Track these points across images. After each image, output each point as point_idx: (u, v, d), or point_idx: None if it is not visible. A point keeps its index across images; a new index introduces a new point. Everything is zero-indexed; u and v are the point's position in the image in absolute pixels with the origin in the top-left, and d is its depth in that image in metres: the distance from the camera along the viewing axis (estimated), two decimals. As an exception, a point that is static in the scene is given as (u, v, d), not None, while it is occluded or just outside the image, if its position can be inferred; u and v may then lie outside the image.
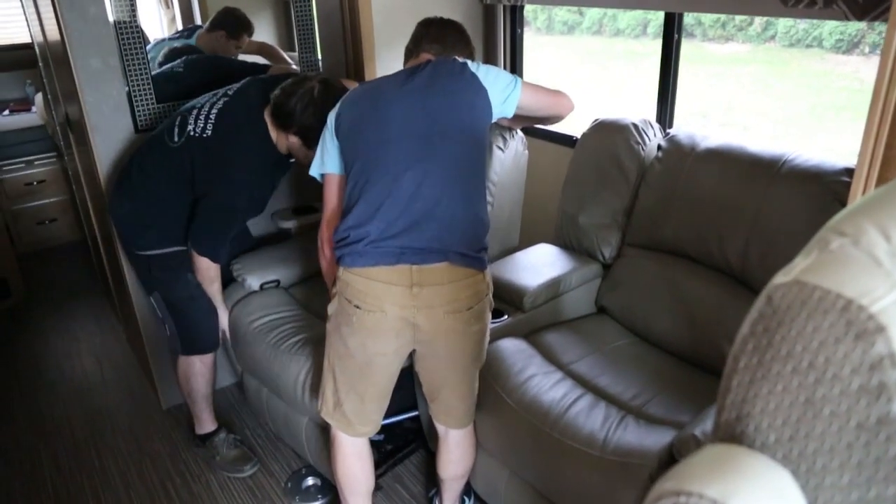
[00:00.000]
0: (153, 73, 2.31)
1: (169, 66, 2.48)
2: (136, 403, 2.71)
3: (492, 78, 1.67)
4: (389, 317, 1.56)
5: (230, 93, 2.12)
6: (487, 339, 1.74)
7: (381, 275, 1.53)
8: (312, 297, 2.35)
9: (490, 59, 2.94)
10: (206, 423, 2.36)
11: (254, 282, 2.36)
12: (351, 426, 1.72)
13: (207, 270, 2.13)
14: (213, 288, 2.20)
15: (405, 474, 2.26)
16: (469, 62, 1.68)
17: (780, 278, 0.63)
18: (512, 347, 1.90)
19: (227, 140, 2.03)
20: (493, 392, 1.80)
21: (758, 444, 0.60)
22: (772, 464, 0.57)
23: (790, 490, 0.55)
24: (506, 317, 2.02)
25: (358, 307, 1.57)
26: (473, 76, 1.64)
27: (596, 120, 2.37)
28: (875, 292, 0.55)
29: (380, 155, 1.59)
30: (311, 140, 1.94)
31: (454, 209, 1.55)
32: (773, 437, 0.59)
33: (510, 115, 1.74)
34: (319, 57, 2.66)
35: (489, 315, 1.70)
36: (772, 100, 6.30)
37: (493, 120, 1.70)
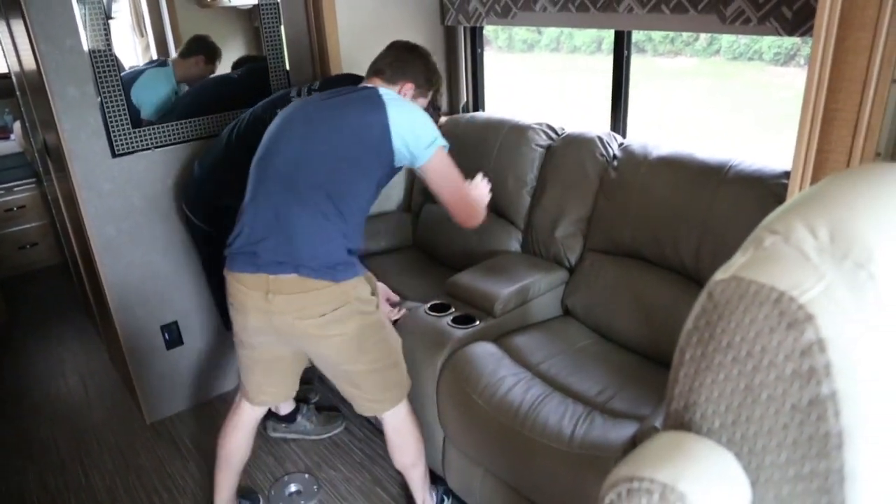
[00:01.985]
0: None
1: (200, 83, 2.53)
2: (121, 420, 2.66)
3: (406, 125, 1.64)
4: (250, 317, 1.66)
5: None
6: (368, 340, 1.69)
7: (244, 280, 1.63)
8: (375, 270, 2.30)
9: (452, 79, 2.97)
10: (285, 404, 2.40)
11: None
12: (248, 394, 1.85)
13: None
14: None
15: (384, 477, 2.26)
16: (389, 99, 1.65)
17: (720, 275, 0.65)
18: (482, 351, 1.91)
19: None
20: (464, 394, 1.81)
21: (704, 430, 0.62)
22: (717, 447, 0.58)
23: (734, 470, 0.57)
24: (477, 322, 2.03)
25: (231, 304, 1.71)
26: (382, 112, 1.62)
27: (563, 133, 2.41)
28: (804, 284, 0.57)
29: (264, 165, 1.67)
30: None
31: (306, 227, 1.59)
32: (717, 423, 0.60)
33: (417, 172, 1.75)
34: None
35: (358, 320, 1.66)
36: (719, 110, 6.44)
37: (403, 164, 1.70)
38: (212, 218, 2.30)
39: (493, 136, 2.55)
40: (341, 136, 1.62)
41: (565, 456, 1.55)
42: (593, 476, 1.49)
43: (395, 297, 2.18)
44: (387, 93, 1.70)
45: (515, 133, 2.48)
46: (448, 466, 2.01)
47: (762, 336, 0.57)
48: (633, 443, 1.50)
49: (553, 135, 2.46)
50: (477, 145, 2.60)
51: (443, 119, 2.81)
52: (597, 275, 2.16)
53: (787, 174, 1.72)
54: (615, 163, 2.18)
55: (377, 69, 1.84)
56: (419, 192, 2.95)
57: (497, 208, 2.55)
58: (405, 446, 1.87)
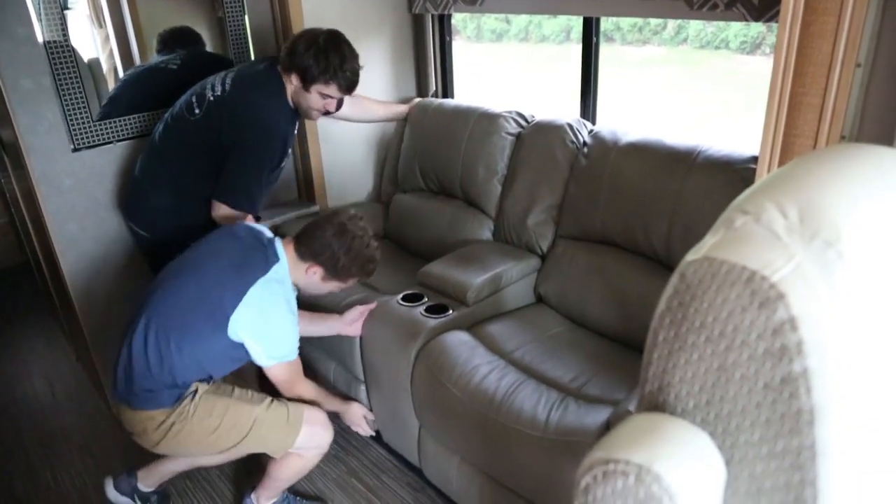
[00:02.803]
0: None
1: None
2: (90, 421, 2.61)
3: (260, 324, 1.69)
4: None
5: (237, 67, 2.18)
6: (210, 438, 1.75)
7: None
8: None
9: (421, 68, 2.95)
10: None
11: None
12: None
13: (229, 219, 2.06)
14: None
15: (360, 468, 2.25)
16: (261, 293, 1.69)
17: (692, 256, 0.65)
18: (456, 340, 1.91)
19: (248, 92, 2.06)
20: (439, 383, 1.80)
21: (679, 411, 0.62)
22: (692, 427, 0.59)
23: (709, 450, 0.57)
24: (450, 312, 2.03)
25: None
26: (240, 298, 1.66)
27: (533, 120, 2.41)
28: (775, 263, 0.57)
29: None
30: (308, 80, 2.01)
31: (136, 358, 1.69)
32: (691, 403, 0.61)
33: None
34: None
35: (188, 434, 1.73)
36: (687, 98, 6.51)
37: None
38: (152, 223, 2.22)
39: (463, 125, 2.53)
40: (200, 295, 1.70)
41: (540, 442, 1.55)
42: (568, 461, 1.50)
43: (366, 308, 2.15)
44: (273, 280, 1.71)
45: (485, 121, 2.48)
46: (424, 456, 2.01)
47: (734, 315, 0.57)
48: (608, 427, 1.51)
49: (523, 122, 2.45)
50: (446, 134, 2.58)
51: (414, 100, 2.79)
52: (569, 262, 2.17)
53: (754, 159, 1.74)
54: (585, 149, 2.19)
55: (297, 236, 1.83)
56: (389, 182, 2.93)
57: (468, 197, 2.54)
58: (286, 468, 1.89)
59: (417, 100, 2.79)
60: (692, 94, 6.52)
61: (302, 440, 1.81)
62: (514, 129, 2.44)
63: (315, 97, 2.05)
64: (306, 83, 2.02)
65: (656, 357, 0.64)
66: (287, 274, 1.77)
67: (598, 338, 2.04)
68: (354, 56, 2.04)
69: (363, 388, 2.16)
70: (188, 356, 1.67)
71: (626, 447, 0.55)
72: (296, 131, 2.22)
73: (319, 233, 1.79)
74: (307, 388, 1.87)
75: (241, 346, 1.69)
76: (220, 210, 2.06)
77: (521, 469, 1.61)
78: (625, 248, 2.06)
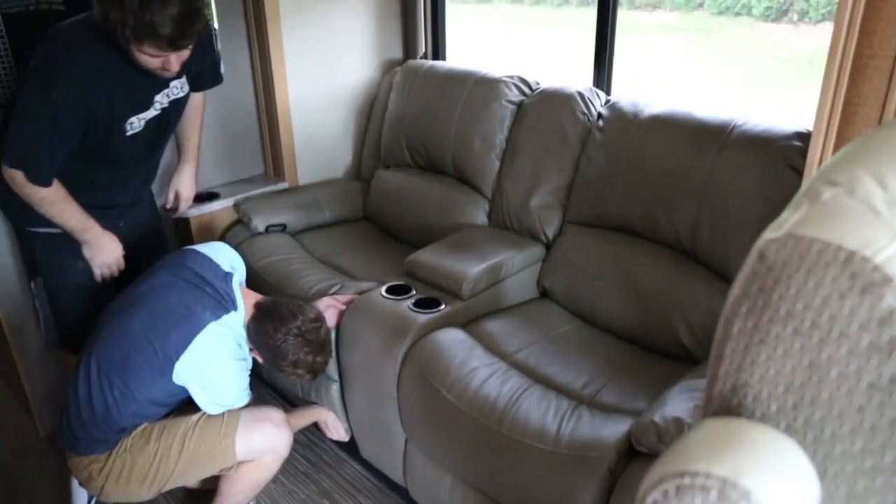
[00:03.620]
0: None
1: None
2: (10, 435, 2.53)
3: (206, 371, 1.77)
4: None
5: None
6: (152, 472, 1.81)
7: None
8: (318, 245, 2.48)
9: (409, 26, 2.91)
10: None
11: (259, 223, 2.55)
12: None
13: (33, 194, 1.87)
14: (64, 216, 1.93)
15: (332, 487, 2.21)
16: (227, 332, 1.78)
17: (771, 233, 0.62)
18: (450, 339, 1.89)
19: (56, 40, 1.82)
20: (430, 388, 1.78)
21: (758, 416, 0.59)
22: (779, 435, 0.56)
23: (800, 461, 0.55)
24: (443, 306, 2.00)
25: None
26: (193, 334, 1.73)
27: (538, 89, 2.39)
28: (878, 242, 0.55)
29: None
30: (116, 36, 1.71)
31: (81, 407, 1.77)
32: (774, 407, 0.58)
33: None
34: (216, 25, 2.56)
35: (130, 469, 1.80)
36: (704, 70, 6.55)
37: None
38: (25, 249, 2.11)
39: (457, 91, 2.51)
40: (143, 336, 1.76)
41: (551, 457, 1.54)
42: (583, 478, 1.48)
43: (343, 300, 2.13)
44: (225, 326, 1.77)
45: (484, 87, 2.45)
46: (410, 474, 1.98)
47: (830, 303, 0.55)
48: (629, 441, 1.49)
49: (526, 89, 2.44)
50: (437, 101, 2.56)
51: (398, 69, 2.76)
52: (579, 251, 2.16)
53: (800, 135, 1.73)
54: (600, 122, 2.17)
55: (257, 307, 1.86)
56: (371, 157, 2.90)
57: (461, 174, 2.52)
58: (239, 480, 1.90)
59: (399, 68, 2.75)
60: (708, 64, 6.55)
61: (249, 443, 1.81)
62: (516, 96, 2.41)
63: (140, 55, 1.76)
64: (117, 39, 1.72)
65: (729, 352, 0.61)
66: (241, 324, 1.84)
67: (612, 338, 2.03)
68: None
69: (336, 388, 2.13)
70: (132, 401, 1.76)
71: (704, 457, 0.53)
72: (167, 94, 2.00)
73: (273, 319, 1.83)
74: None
75: (185, 389, 1.78)
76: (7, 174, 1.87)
77: (526, 488, 1.59)
78: (644, 235, 2.05)
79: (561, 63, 5.89)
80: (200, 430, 1.81)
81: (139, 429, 1.81)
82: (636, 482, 1.43)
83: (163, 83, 1.95)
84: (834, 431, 0.55)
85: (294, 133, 2.78)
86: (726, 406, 0.62)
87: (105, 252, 2.03)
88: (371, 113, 2.91)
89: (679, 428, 1.38)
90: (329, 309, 2.05)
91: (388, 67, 2.92)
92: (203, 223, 2.60)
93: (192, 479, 1.92)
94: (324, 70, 2.79)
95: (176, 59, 1.81)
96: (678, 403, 1.47)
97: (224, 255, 1.93)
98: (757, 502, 0.50)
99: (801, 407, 0.57)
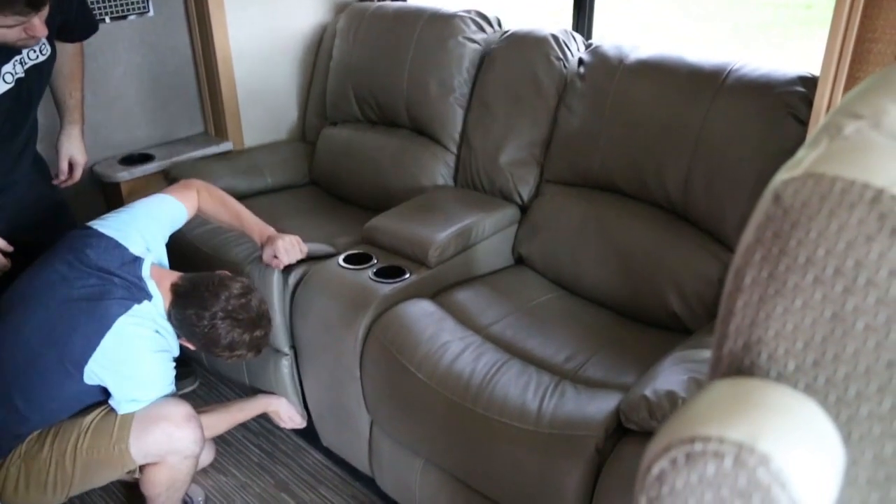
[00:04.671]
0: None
1: None
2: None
3: (122, 369, 1.73)
4: None
5: None
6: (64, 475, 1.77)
7: None
8: (258, 212, 2.28)
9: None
10: None
11: None
12: None
13: None
14: None
15: (291, 479, 2.20)
16: (141, 322, 1.73)
17: (787, 173, 0.61)
18: (418, 311, 1.88)
19: None
20: (397, 365, 1.77)
21: (773, 376, 0.59)
22: (798, 395, 0.56)
23: (822, 424, 0.54)
24: (408, 275, 1.99)
25: None
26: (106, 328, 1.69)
27: (506, 32, 2.37)
28: (908, 178, 0.54)
29: None
30: None
31: None
32: (792, 365, 0.58)
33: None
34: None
35: (26, 477, 1.76)
36: (691, 20, 6.57)
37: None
38: None
39: (408, 31, 2.49)
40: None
41: (532, 437, 1.54)
42: (568, 459, 1.49)
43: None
44: (137, 316, 1.73)
45: (437, 24, 2.44)
46: (376, 461, 1.98)
47: (856, 247, 0.54)
48: (617, 417, 1.50)
49: (486, 25, 2.43)
50: (386, 44, 2.54)
51: (341, 16, 2.71)
52: (558, 213, 2.15)
53: (802, 80, 1.74)
54: (581, 69, 2.16)
55: (175, 289, 1.80)
56: (316, 115, 2.86)
57: (417, 123, 2.51)
58: (151, 484, 1.88)
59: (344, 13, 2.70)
60: (698, 15, 6.57)
61: (144, 445, 1.76)
62: (474, 32, 2.40)
63: None
64: None
65: (741, 305, 0.60)
66: (160, 312, 1.79)
67: (597, 308, 2.04)
68: None
69: (287, 363, 2.11)
70: (36, 409, 1.74)
71: (716, 420, 0.52)
72: (19, 61, 1.87)
73: (195, 318, 1.76)
74: (204, 420, 1.87)
75: (100, 387, 1.75)
76: None
77: (505, 471, 1.60)
78: (630, 195, 2.05)
79: (536, 6, 5.86)
80: (92, 434, 1.76)
81: (35, 433, 1.77)
82: (626, 462, 1.44)
83: (11, 50, 1.80)
84: (859, 390, 0.55)
85: (238, 87, 2.72)
86: (738, 366, 0.61)
87: None
88: (315, 65, 2.86)
89: (673, 402, 1.38)
90: (272, 252, 2.00)
91: (342, 10, 2.86)
92: (134, 188, 2.54)
93: (98, 484, 1.88)
94: (270, 13, 2.73)
95: (39, 22, 1.69)
96: (671, 376, 1.48)
97: (134, 234, 1.83)
98: (777, 468, 0.49)
99: (823, 364, 0.56)
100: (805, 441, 0.52)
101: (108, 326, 1.68)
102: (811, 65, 1.71)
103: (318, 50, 2.85)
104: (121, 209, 1.92)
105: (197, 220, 2.39)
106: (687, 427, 0.53)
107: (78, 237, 1.80)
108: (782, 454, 0.50)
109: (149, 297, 1.75)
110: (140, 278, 1.76)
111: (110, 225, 1.83)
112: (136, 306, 1.72)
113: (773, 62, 1.85)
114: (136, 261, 1.78)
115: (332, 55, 2.72)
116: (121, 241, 1.79)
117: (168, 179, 2.55)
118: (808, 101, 1.66)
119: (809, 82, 1.71)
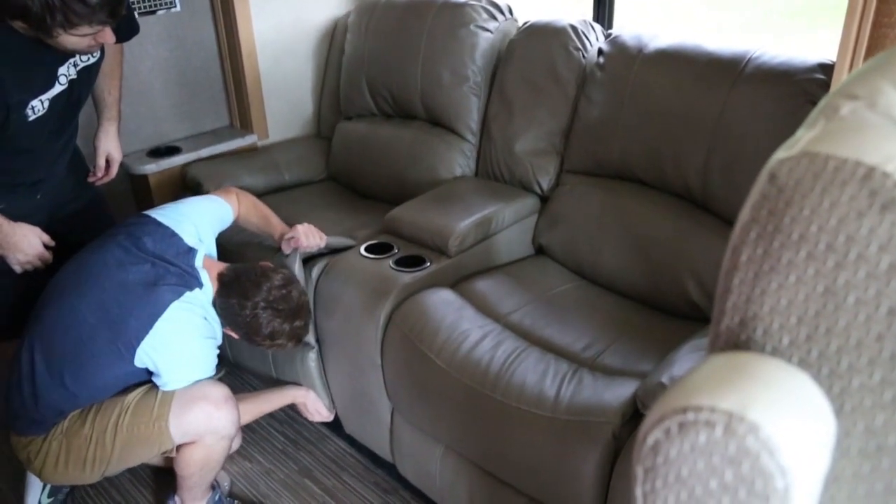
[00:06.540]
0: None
1: None
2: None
3: (173, 352, 1.78)
4: None
5: None
6: (90, 454, 1.82)
7: None
8: (278, 209, 2.34)
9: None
10: None
11: (211, 190, 2.41)
12: None
13: None
14: None
15: (314, 465, 2.24)
16: (193, 308, 1.78)
17: (784, 153, 0.62)
18: (437, 299, 1.89)
19: None
20: (417, 353, 1.79)
21: (768, 350, 0.60)
22: (789, 367, 0.57)
23: (814, 395, 0.55)
24: (428, 264, 2.00)
25: None
26: (160, 305, 1.74)
27: (526, 23, 2.38)
28: (900, 156, 0.55)
29: None
30: (37, 27, 1.64)
31: (23, 385, 1.79)
32: (786, 340, 0.59)
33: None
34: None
35: (67, 452, 1.82)
36: (716, 10, 6.50)
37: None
38: None
39: (419, 22, 2.50)
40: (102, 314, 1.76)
41: (549, 423, 1.55)
42: (585, 445, 1.50)
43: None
44: (188, 302, 1.78)
45: (448, 13, 2.45)
46: (397, 448, 2.00)
47: (847, 223, 0.55)
48: (634, 404, 1.51)
49: (497, 13, 2.43)
50: (398, 36, 2.55)
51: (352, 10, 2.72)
52: (577, 203, 2.16)
53: (822, 67, 1.73)
54: (601, 59, 2.16)
55: (220, 279, 1.86)
56: (331, 110, 2.88)
57: (432, 114, 2.51)
58: (186, 464, 1.91)
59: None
60: (724, 4, 6.51)
61: (183, 424, 1.80)
62: (486, 21, 2.41)
63: (67, 39, 1.69)
64: (38, 30, 1.65)
65: (737, 283, 0.62)
66: (209, 300, 1.85)
67: (616, 297, 2.04)
68: None
69: (314, 356, 2.13)
70: (84, 388, 1.79)
71: (708, 391, 0.53)
72: (73, 63, 1.89)
73: (238, 307, 1.82)
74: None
75: (146, 370, 1.80)
76: None
77: (523, 457, 1.61)
78: (650, 184, 2.05)
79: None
80: (133, 412, 1.80)
81: (77, 410, 1.82)
82: (642, 447, 1.44)
83: (67, 53, 1.83)
84: (851, 363, 0.56)
85: (262, 80, 2.76)
86: (734, 342, 0.62)
87: (20, 249, 1.92)
88: (328, 60, 2.88)
89: (688, 388, 1.39)
90: (291, 234, 2.06)
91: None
92: (161, 180, 2.59)
93: (134, 463, 1.93)
94: (292, 5, 2.75)
95: (110, 31, 1.73)
96: (688, 363, 1.48)
97: (188, 225, 1.89)
98: (766, 437, 0.50)
99: (815, 338, 0.57)
100: (795, 411, 0.53)
101: (161, 311, 1.73)
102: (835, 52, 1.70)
103: (331, 44, 2.87)
104: (176, 202, 1.98)
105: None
106: (681, 398, 0.55)
107: (136, 224, 1.86)
108: (771, 423, 0.51)
109: (200, 284, 1.81)
110: (193, 267, 1.82)
111: (168, 215, 1.90)
112: (187, 293, 1.77)
113: (796, 50, 1.84)
114: (191, 251, 1.84)
115: (343, 49, 2.74)
116: (177, 231, 1.86)
117: (186, 178, 2.60)
118: (828, 87, 1.65)
119: (829, 69, 1.70)
